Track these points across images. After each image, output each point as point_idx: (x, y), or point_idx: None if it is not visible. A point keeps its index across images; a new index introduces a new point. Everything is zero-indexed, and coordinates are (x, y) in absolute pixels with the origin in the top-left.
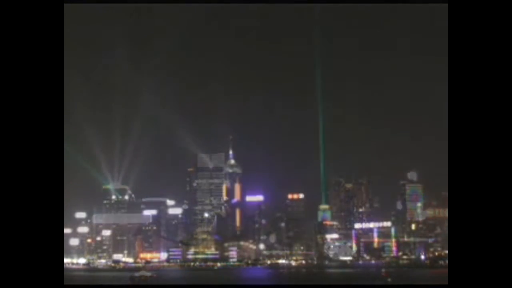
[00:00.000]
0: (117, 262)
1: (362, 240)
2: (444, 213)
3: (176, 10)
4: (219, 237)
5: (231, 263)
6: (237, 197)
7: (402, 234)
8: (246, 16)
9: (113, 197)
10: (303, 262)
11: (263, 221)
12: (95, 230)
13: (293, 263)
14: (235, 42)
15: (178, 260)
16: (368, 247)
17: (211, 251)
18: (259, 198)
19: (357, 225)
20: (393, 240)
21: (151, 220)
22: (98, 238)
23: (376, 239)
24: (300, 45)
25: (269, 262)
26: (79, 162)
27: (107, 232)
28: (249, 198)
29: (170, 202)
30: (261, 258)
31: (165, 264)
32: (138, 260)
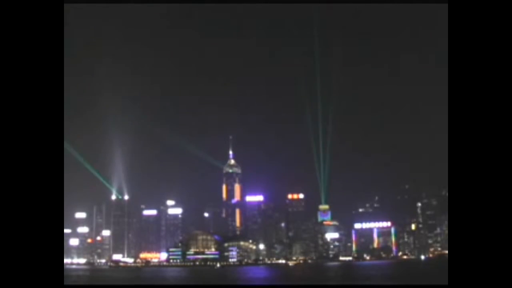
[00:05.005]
0: (116, 262)
1: (362, 240)
2: None
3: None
4: (219, 237)
5: (231, 263)
6: (237, 197)
7: (402, 234)
8: (245, 15)
9: (113, 197)
10: (301, 261)
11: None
12: (95, 230)
13: (291, 263)
14: (235, 41)
15: (178, 260)
16: (368, 247)
17: (211, 251)
18: (259, 198)
19: (357, 225)
20: (393, 240)
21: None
22: (98, 238)
23: (376, 239)
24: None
25: (269, 262)
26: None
27: (107, 232)
28: (249, 198)
29: (170, 202)
30: (261, 258)
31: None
32: (138, 260)
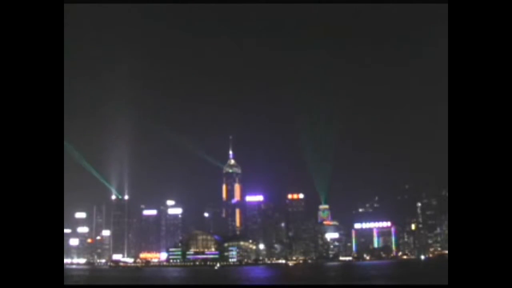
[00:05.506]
0: (116, 262)
1: (362, 240)
2: None
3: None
4: (219, 237)
5: (231, 263)
6: (237, 197)
7: (402, 234)
8: (244, 16)
9: (113, 197)
10: (301, 261)
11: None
12: (95, 230)
13: (291, 263)
14: (235, 41)
15: (178, 260)
16: (368, 247)
17: (211, 251)
18: (259, 198)
19: (357, 225)
20: (393, 240)
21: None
22: (98, 238)
23: (376, 239)
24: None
25: (268, 262)
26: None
27: (107, 232)
28: (249, 198)
29: (170, 202)
30: (261, 258)
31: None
32: (138, 260)
